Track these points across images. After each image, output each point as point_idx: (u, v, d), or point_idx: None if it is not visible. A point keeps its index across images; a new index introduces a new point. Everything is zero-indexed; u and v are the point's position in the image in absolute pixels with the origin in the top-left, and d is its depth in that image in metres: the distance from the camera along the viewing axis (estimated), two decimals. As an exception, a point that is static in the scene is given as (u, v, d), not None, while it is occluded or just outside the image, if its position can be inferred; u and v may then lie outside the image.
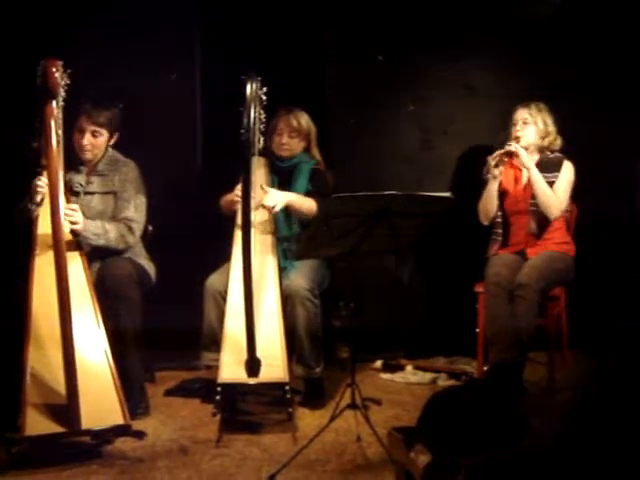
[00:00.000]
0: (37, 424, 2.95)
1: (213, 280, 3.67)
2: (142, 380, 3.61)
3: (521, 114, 3.97)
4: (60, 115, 3.23)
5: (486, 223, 4.05)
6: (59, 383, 3.02)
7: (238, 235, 3.53)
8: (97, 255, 3.55)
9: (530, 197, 3.93)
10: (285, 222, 3.83)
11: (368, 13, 4.43)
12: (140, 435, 3.19)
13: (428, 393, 3.02)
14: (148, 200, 3.74)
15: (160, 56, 4.28)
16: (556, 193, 3.88)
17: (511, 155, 3.91)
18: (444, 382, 4.09)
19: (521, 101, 4.00)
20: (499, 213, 4.02)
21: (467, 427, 2.23)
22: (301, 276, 3.65)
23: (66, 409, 2.97)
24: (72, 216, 3.35)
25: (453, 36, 4.42)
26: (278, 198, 3.68)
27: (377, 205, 2.93)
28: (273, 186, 3.87)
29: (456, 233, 4.27)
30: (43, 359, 3.08)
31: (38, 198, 3.34)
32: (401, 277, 4.58)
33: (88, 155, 3.63)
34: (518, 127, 3.96)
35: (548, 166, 3.94)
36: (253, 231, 3.41)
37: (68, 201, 3.41)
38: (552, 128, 3.98)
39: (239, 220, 3.51)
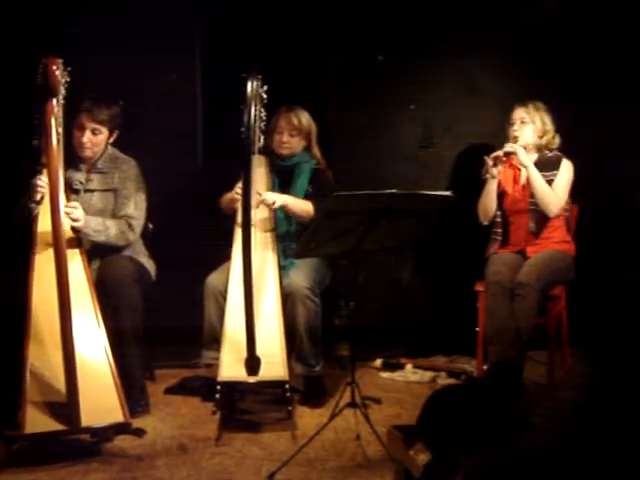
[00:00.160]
0: (37, 422, 2.95)
1: (213, 279, 3.68)
2: (142, 378, 3.62)
3: (519, 113, 3.97)
4: (60, 113, 3.22)
5: (485, 223, 4.05)
6: (59, 381, 3.02)
7: (238, 233, 3.53)
8: (97, 253, 3.56)
9: (529, 196, 3.93)
10: (285, 220, 3.83)
11: (369, 12, 4.42)
12: (140, 433, 3.19)
13: (428, 392, 3.02)
14: (148, 198, 3.74)
15: (160, 54, 4.27)
16: (555, 191, 3.88)
17: (509, 154, 3.92)
18: (444, 381, 4.09)
19: (522, 100, 4.00)
20: (498, 213, 4.02)
21: (467, 426, 2.23)
22: (301, 275, 3.65)
23: (66, 407, 2.97)
24: (73, 213, 3.36)
25: (454, 35, 4.42)
26: (275, 197, 3.69)
27: (378, 204, 2.93)
28: (273, 185, 3.87)
29: (456, 232, 4.27)
30: (43, 357, 3.09)
31: (38, 197, 3.34)
32: (401, 276, 4.58)
33: (88, 153, 3.63)
34: (516, 127, 3.97)
35: (547, 164, 3.94)
36: (253, 230, 3.42)
37: (68, 199, 3.41)
38: (550, 127, 3.97)
39: (239, 219, 3.52)
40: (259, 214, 3.70)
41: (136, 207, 3.66)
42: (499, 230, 4.02)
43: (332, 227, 2.96)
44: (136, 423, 3.21)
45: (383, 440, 2.93)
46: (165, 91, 4.36)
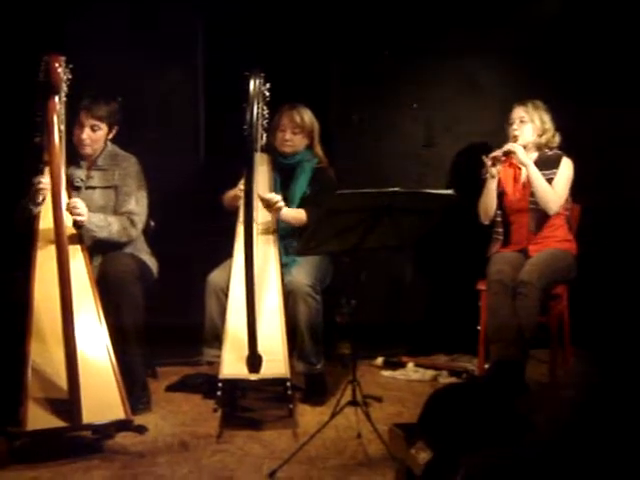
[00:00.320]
0: (38, 418, 2.95)
1: (215, 276, 3.68)
2: (143, 375, 3.62)
3: (518, 113, 3.97)
4: (62, 111, 3.23)
5: (486, 222, 4.04)
6: (60, 378, 3.02)
7: (240, 231, 3.53)
8: (99, 250, 3.56)
9: (529, 195, 3.93)
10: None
11: (372, 11, 4.42)
12: (141, 430, 3.19)
13: (429, 390, 3.02)
14: (150, 196, 3.74)
15: (163, 51, 4.27)
16: (555, 189, 3.88)
17: (508, 154, 3.91)
18: (445, 379, 4.09)
19: (523, 99, 3.99)
20: (499, 212, 4.02)
21: (468, 424, 2.23)
22: (303, 272, 3.65)
23: (67, 404, 2.97)
24: (76, 208, 3.36)
25: (455, 35, 4.42)
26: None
27: (380, 202, 2.93)
28: (275, 183, 3.87)
29: (458, 231, 4.27)
30: (45, 354, 3.09)
31: (40, 198, 3.34)
32: (403, 274, 4.58)
33: (87, 150, 3.63)
34: (515, 126, 3.96)
35: (547, 163, 3.93)
36: (255, 227, 3.42)
37: (69, 196, 3.41)
38: (550, 125, 3.97)
39: (241, 216, 3.52)
40: (261, 212, 3.70)
41: (137, 203, 3.67)
42: (500, 230, 4.02)
43: (334, 225, 2.96)
44: (137, 420, 3.22)
45: (384, 438, 2.93)
46: (167, 89, 4.36)
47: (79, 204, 3.39)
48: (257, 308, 3.31)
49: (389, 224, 2.99)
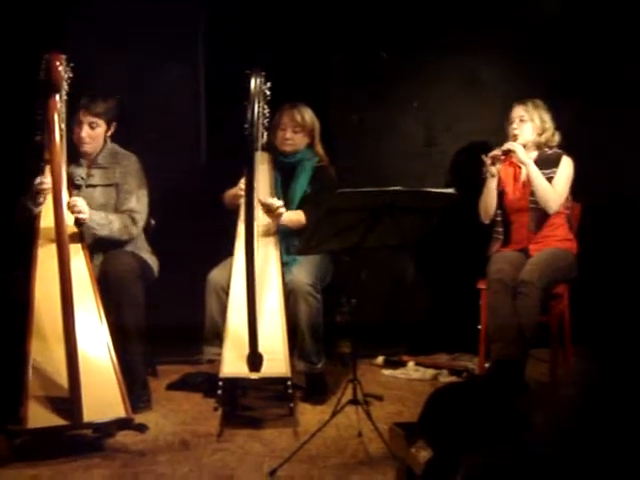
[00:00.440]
0: (39, 417, 2.96)
1: (215, 275, 3.68)
2: (144, 374, 3.62)
3: (517, 112, 3.96)
4: (63, 109, 3.23)
5: (486, 221, 4.04)
6: (61, 376, 3.03)
7: (241, 230, 3.53)
8: (100, 248, 3.56)
9: (530, 194, 3.92)
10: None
11: (372, 9, 4.42)
12: (142, 429, 3.20)
13: (429, 389, 3.02)
14: (151, 194, 3.75)
15: (164, 50, 4.27)
16: (555, 188, 3.87)
17: (507, 153, 3.91)
18: (445, 378, 4.10)
19: (525, 97, 3.99)
20: (499, 212, 4.01)
21: (468, 423, 2.23)
22: (303, 271, 3.65)
23: (68, 402, 2.98)
24: (77, 206, 3.36)
25: (457, 33, 4.41)
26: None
27: (381, 201, 2.92)
28: (276, 182, 3.87)
29: (459, 230, 4.26)
30: (45, 352, 3.09)
31: (41, 199, 3.34)
32: (403, 273, 4.58)
33: (87, 148, 3.64)
34: (515, 125, 3.95)
35: (547, 162, 3.93)
36: (256, 226, 3.42)
37: (70, 194, 3.42)
38: (549, 124, 3.96)
39: (242, 215, 3.52)
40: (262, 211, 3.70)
41: (138, 202, 3.67)
42: (500, 229, 4.02)
43: (334, 224, 2.96)
44: (138, 419, 3.22)
45: (385, 437, 2.93)
46: (168, 88, 4.36)
47: (80, 202, 3.40)
48: (258, 307, 3.31)
49: (390, 223, 2.99)
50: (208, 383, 3.73)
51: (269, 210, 3.63)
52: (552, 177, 3.89)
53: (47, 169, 3.27)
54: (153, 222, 3.90)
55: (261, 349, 3.31)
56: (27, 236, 3.34)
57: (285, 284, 3.59)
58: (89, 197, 3.58)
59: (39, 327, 3.13)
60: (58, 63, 3.12)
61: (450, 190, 3.11)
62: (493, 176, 3.93)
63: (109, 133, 3.70)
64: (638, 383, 2.18)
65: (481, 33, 4.40)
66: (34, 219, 3.36)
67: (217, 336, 3.51)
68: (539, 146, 3.98)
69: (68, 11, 4.17)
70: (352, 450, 3.12)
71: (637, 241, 4.26)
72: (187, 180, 4.40)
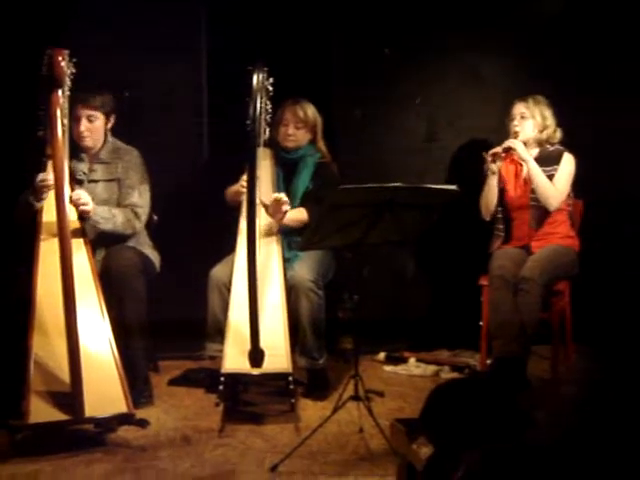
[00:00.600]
0: (41, 412, 2.96)
1: (217, 271, 3.68)
2: (146, 369, 3.62)
3: (519, 108, 3.95)
4: (66, 104, 3.23)
5: (487, 218, 4.04)
6: (63, 371, 3.03)
7: (243, 226, 3.53)
8: (102, 243, 3.56)
9: (531, 192, 3.92)
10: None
11: (375, 5, 4.41)
12: (143, 424, 3.20)
13: (431, 385, 3.02)
14: (153, 190, 3.75)
15: (166, 46, 4.27)
16: (556, 185, 3.87)
17: (508, 150, 3.90)
18: (447, 375, 4.09)
19: (527, 94, 3.98)
20: (499, 208, 4.01)
21: (469, 420, 2.23)
22: (305, 267, 3.65)
23: (70, 397, 2.98)
24: (81, 198, 3.36)
25: (459, 29, 4.41)
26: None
27: (382, 197, 2.92)
28: (278, 178, 3.87)
29: (460, 227, 4.26)
30: (47, 347, 3.09)
31: (43, 194, 3.34)
32: (405, 269, 4.58)
33: (88, 142, 3.64)
34: (516, 122, 3.94)
35: (548, 159, 3.92)
36: (258, 222, 3.41)
37: (72, 190, 3.41)
38: (551, 121, 3.95)
39: (244, 211, 3.52)
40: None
41: (140, 196, 3.67)
42: (501, 226, 4.02)
43: (336, 220, 2.96)
44: (140, 414, 3.22)
45: (386, 433, 2.93)
46: (170, 83, 4.36)
47: (83, 195, 3.40)
48: (259, 303, 3.31)
49: (391, 219, 2.99)
50: (210, 379, 3.73)
51: (277, 205, 3.62)
52: (553, 174, 3.88)
53: (49, 164, 3.27)
54: (155, 217, 3.90)
55: (263, 345, 3.31)
56: (29, 231, 3.34)
57: (287, 280, 3.59)
58: (91, 192, 3.58)
59: (41, 322, 3.13)
60: (60, 58, 3.12)
61: (451, 186, 3.11)
62: (494, 173, 3.93)
63: (109, 126, 3.70)
64: (638, 380, 2.18)
65: (483, 30, 4.39)
66: (36, 214, 3.37)
67: (219, 332, 3.51)
68: (540, 143, 3.98)
69: (69, 4, 4.16)
70: (353, 446, 3.12)
71: (639, 238, 4.25)
72: (189, 176, 4.41)
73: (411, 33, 4.44)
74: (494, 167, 3.91)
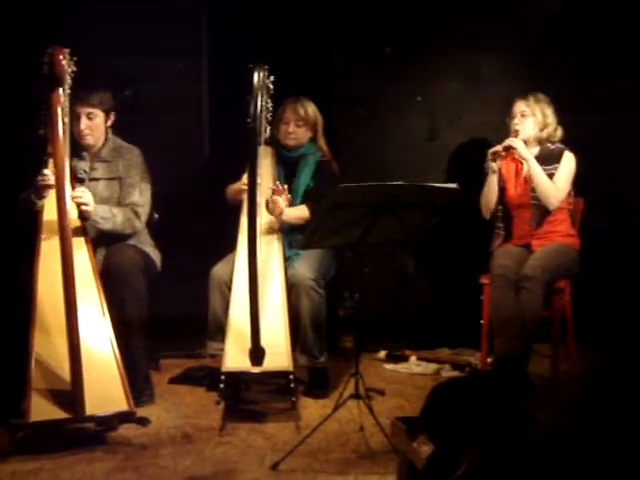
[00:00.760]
0: (41, 410, 2.96)
1: (218, 269, 3.68)
2: (147, 368, 3.63)
3: (519, 107, 3.94)
4: (66, 103, 3.23)
5: (487, 217, 4.04)
6: (64, 369, 3.03)
7: (244, 224, 3.53)
8: (103, 242, 3.56)
9: (531, 190, 3.91)
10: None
11: (375, 4, 4.41)
12: (144, 422, 3.21)
13: (431, 384, 3.03)
14: (154, 188, 3.75)
15: (167, 43, 4.27)
16: (556, 184, 3.86)
17: (508, 149, 3.90)
18: (448, 373, 4.09)
19: (527, 92, 3.98)
20: (500, 207, 4.01)
21: (470, 418, 2.23)
22: (306, 266, 3.65)
23: (70, 395, 2.99)
24: (82, 197, 3.37)
25: (460, 28, 4.40)
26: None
27: (383, 195, 2.92)
28: (279, 176, 3.87)
29: (461, 225, 4.26)
30: (48, 345, 3.10)
31: (44, 193, 3.34)
32: (406, 268, 4.58)
33: (89, 140, 3.63)
34: (516, 120, 3.94)
35: (548, 158, 3.91)
36: (259, 220, 3.42)
37: (73, 188, 3.41)
38: (551, 119, 3.94)
39: (245, 209, 3.52)
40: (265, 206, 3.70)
41: (141, 195, 3.67)
42: (501, 224, 4.01)
43: (337, 219, 2.96)
44: (140, 412, 3.23)
45: (386, 432, 2.93)
46: (172, 80, 4.36)
47: (85, 194, 3.40)
48: (260, 301, 3.31)
49: (392, 218, 2.99)
50: (210, 377, 3.74)
51: (273, 193, 3.62)
52: (554, 173, 3.87)
53: (50, 163, 3.27)
54: (156, 216, 3.90)
55: (263, 343, 3.31)
56: (30, 229, 3.34)
57: (287, 278, 3.60)
58: (92, 191, 3.57)
59: (42, 320, 3.14)
60: (61, 57, 3.12)
61: (452, 185, 3.10)
62: (494, 172, 3.93)
63: (108, 124, 3.70)
64: (639, 378, 2.18)
65: (484, 28, 4.39)
66: (37, 212, 3.37)
67: (220, 331, 3.52)
68: (541, 141, 3.97)
69: (71, 8, 4.16)
70: (354, 444, 3.12)
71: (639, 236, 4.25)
72: (190, 175, 4.41)
73: (412, 32, 4.44)
74: (494, 166, 3.91)
